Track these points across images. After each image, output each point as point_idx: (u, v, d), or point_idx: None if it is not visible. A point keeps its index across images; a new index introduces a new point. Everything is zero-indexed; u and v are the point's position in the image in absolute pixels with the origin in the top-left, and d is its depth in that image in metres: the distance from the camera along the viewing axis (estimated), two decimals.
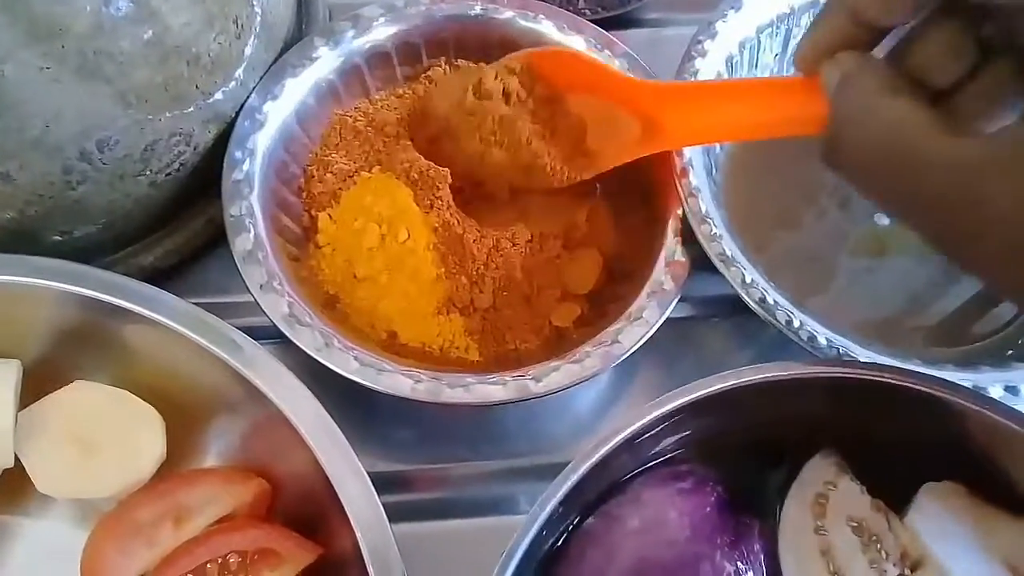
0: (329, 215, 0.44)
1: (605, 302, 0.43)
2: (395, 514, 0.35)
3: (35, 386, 0.39)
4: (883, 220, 0.47)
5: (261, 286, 0.40)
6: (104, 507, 0.39)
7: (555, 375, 0.39)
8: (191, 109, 0.41)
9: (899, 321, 0.46)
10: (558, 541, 0.35)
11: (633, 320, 0.40)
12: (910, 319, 0.46)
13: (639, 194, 0.45)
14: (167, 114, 0.40)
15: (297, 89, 0.46)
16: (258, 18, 0.43)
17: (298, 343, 0.39)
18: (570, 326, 0.43)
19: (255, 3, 0.42)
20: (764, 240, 0.45)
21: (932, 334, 0.45)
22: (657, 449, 0.35)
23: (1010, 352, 0.42)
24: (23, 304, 0.38)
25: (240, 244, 0.41)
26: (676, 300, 0.41)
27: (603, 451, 0.31)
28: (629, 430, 0.31)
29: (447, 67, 0.49)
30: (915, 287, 0.46)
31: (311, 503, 0.37)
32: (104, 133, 0.38)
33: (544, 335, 0.43)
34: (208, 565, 0.36)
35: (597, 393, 0.47)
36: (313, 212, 0.45)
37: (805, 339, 0.39)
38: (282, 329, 0.39)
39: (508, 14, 0.48)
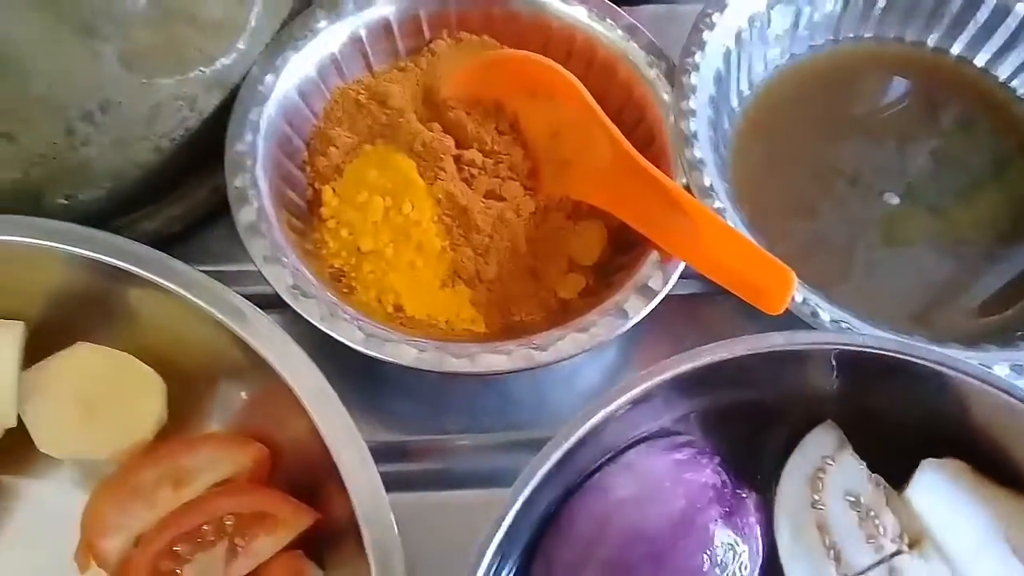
0: (333, 189, 0.44)
1: (610, 273, 0.43)
2: (395, 484, 0.35)
3: (38, 348, 0.39)
4: (893, 199, 0.46)
5: (265, 258, 0.39)
6: (105, 470, 0.39)
7: (561, 344, 0.38)
8: (194, 74, 0.41)
9: (917, 307, 0.45)
10: (550, 511, 0.34)
11: (639, 289, 0.40)
12: (926, 305, 0.45)
13: None
14: (169, 78, 0.40)
15: (299, 62, 0.45)
16: None
17: (303, 313, 0.38)
18: (576, 298, 0.43)
19: None
20: (780, 230, 0.45)
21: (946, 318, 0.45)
22: (654, 419, 0.35)
23: (1019, 333, 0.42)
24: (28, 265, 0.38)
25: (243, 216, 0.40)
26: (681, 267, 0.40)
27: (591, 422, 0.30)
28: (622, 399, 0.31)
29: (450, 40, 0.49)
30: (929, 271, 0.45)
31: (310, 470, 0.37)
32: (106, 94, 0.38)
33: (550, 307, 0.43)
34: (204, 526, 0.36)
35: (602, 368, 0.47)
36: (317, 186, 0.45)
37: (808, 314, 0.39)
38: (287, 300, 0.39)
39: None
